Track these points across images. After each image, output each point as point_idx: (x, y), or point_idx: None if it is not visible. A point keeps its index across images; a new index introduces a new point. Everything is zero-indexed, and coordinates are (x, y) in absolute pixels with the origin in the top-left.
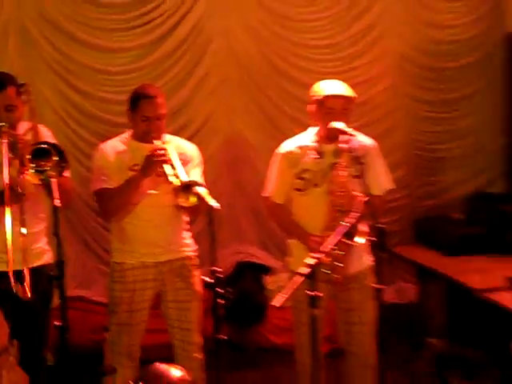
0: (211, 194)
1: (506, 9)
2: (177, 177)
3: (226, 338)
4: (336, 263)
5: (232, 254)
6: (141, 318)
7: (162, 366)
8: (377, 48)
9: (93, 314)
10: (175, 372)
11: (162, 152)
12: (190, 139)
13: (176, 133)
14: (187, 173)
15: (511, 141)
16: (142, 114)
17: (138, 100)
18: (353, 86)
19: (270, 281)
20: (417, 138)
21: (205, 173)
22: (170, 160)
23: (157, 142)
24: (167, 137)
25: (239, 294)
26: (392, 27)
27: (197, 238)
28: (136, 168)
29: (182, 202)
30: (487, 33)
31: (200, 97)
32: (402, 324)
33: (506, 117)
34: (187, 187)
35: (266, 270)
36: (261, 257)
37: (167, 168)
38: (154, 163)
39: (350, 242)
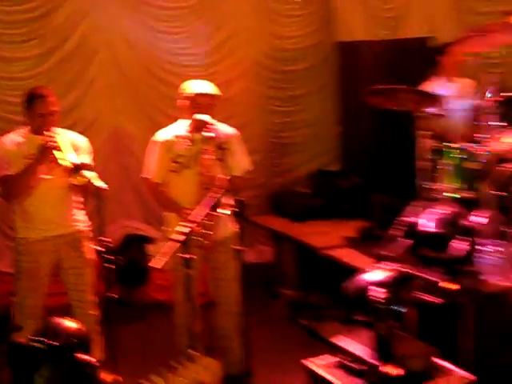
0: (102, 178)
1: (337, 23)
2: (68, 161)
3: (116, 296)
4: (205, 231)
5: (120, 228)
6: (42, 284)
7: (59, 320)
8: (234, 55)
9: (2, 283)
10: (70, 324)
11: (53, 139)
12: (81, 134)
13: (69, 129)
14: (77, 158)
15: (343, 130)
16: (36, 111)
17: (32, 99)
18: (216, 86)
19: (152, 249)
20: (270, 128)
21: (95, 161)
22: (60, 147)
23: (48, 133)
24: (59, 130)
25: (127, 261)
26: (247, 38)
27: (91, 216)
28: (32, 157)
29: (73, 181)
30: (323, 42)
31: (89, 98)
32: (261, 279)
33: (339, 111)
34: (77, 169)
35: (148, 240)
36: (144, 229)
37: (59, 154)
38: (46, 150)
39: (216, 213)
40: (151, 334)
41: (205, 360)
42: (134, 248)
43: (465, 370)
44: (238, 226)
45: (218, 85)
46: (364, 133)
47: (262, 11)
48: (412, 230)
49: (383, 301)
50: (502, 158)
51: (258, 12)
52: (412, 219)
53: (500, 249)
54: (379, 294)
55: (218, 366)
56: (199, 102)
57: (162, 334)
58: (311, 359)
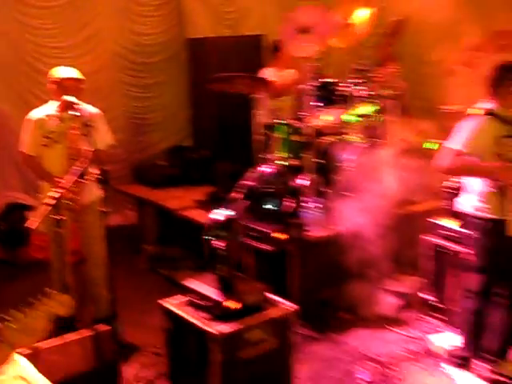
0: None
1: (187, 22)
2: None
3: None
4: (74, 196)
5: (2, 198)
6: None
7: None
8: (99, 48)
9: None
10: None
11: None
12: None
13: None
14: None
15: (193, 112)
16: None
17: None
18: (84, 75)
19: (31, 215)
20: (132, 111)
21: None
22: None
23: None
24: None
25: (9, 226)
26: (110, 34)
27: None
28: None
29: None
30: (175, 38)
31: None
32: (127, 238)
33: (190, 96)
34: None
35: (28, 207)
36: (23, 198)
37: None
38: None
39: (82, 181)
40: (33, 290)
41: (59, 296)
42: (15, 215)
43: (293, 303)
44: (103, 191)
45: (85, 74)
46: (211, 114)
47: (124, 11)
48: (250, 192)
49: (223, 247)
50: (320, 132)
51: (120, 12)
52: (250, 183)
53: (319, 205)
54: (220, 242)
55: (70, 300)
56: (65, 85)
57: (42, 289)
58: (166, 299)
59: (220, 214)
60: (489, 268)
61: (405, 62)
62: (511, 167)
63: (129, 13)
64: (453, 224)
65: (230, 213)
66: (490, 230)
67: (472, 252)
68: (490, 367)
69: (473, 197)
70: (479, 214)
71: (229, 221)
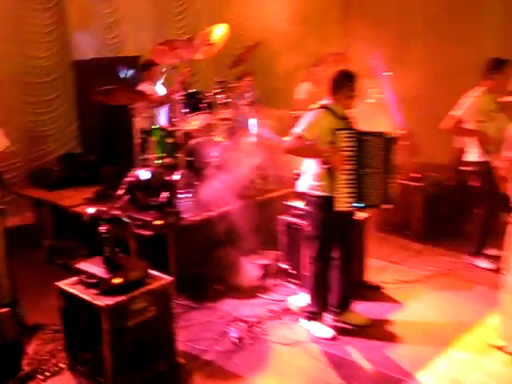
0: None
1: (73, 45)
2: None
3: None
4: None
5: None
6: None
7: None
8: None
9: None
10: None
11: None
12: None
13: None
14: None
15: (81, 123)
16: None
17: None
18: None
19: None
20: (27, 124)
21: None
22: None
23: None
24: None
25: None
26: (4, 57)
27: None
28: None
29: None
30: (62, 60)
31: None
32: (27, 236)
33: (78, 109)
34: None
35: None
36: None
37: None
38: None
39: None
40: None
41: None
42: None
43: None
44: (2, 194)
45: None
46: (96, 124)
47: (16, 37)
48: (131, 188)
49: (106, 231)
50: (190, 134)
51: (13, 37)
52: (131, 180)
53: (191, 195)
54: (104, 227)
55: None
56: None
57: None
58: (61, 282)
59: (96, 207)
60: (322, 236)
61: (258, 75)
62: (339, 152)
63: (21, 38)
64: (300, 204)
65: (106, 205)
66: (321, 205)
67: (309, 224)
68: (335, 317)
69: (309, 177)
70: (313, 192)
71: (106, 211)
